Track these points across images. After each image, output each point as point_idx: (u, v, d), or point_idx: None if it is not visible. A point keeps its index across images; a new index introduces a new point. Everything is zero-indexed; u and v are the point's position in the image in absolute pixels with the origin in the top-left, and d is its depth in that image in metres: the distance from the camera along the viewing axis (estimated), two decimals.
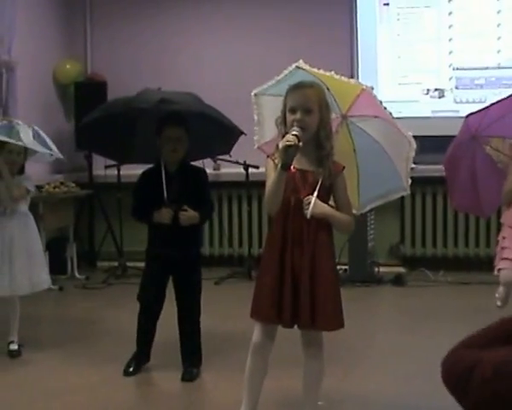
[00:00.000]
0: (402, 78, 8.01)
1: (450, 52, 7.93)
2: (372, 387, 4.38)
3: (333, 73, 3.47)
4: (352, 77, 7.93)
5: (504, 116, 4.76)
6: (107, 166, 7.62)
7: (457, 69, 7.91)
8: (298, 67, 3.48)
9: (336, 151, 3.40)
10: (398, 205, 7.93)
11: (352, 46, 8.05)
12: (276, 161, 3.28)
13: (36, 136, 4.95)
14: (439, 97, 7.91)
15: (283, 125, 3.35)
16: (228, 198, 8.19)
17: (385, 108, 3.55)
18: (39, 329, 5.94)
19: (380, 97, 7.93)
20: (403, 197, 7.69)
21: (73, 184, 7.83)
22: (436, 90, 7.91)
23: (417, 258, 7.98)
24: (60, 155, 5.20)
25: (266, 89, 3.64)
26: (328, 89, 3.43)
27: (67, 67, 8.45)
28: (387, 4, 8.02)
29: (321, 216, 3.30)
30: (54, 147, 5.11)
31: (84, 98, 8.00)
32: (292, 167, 3.27)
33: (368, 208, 3.80)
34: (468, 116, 4.87)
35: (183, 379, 4.50)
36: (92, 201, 8.46)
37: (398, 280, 7.31)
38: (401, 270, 7.76)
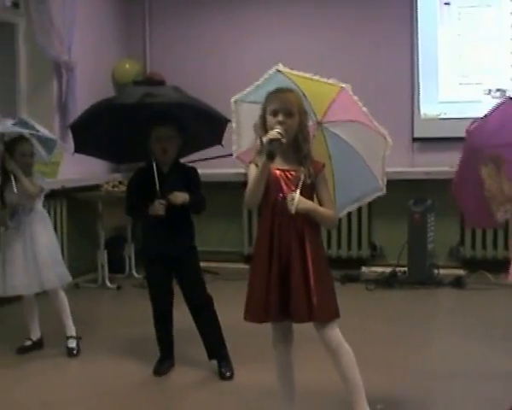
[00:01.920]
0: (463, 78, 7.90)
1: None
2: (430, 390, 4.36)
3: (311, 74, 3.56)
4: (412, 78, 7.92)
5: (503, 126, 4.57)
6: None
7: None
8: (278, 71, 3.57)
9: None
10: (458, 206, 7.81)
11: (413, 46, 7.97)
12: (259, 163, 3.36)
13: (19, 123, 5.11)
14: (501, 98, 7.77)
15: (262, 129, 3.43)
16: None
17: (362, 108, 3.61)
18: (97, 327, 5.99)
19: (441, 98, 7.91)
20: None
21: None
22: (498, 90, 7.77)
23: (478, 260, 7.84)
24: (51, 136, 5.34)
25: (246, 95, 3.70)
26: (304, 96, 3.52)
27: (126, 66, 8.54)
28: (448, 4, 7.91)
29: (304, 211, 3.39)
30: (43, 129, 5.20)
31: None
32: (275, 169, 3.42)
33: (344, 212, 3.86)
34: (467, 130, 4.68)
35: (223, 378, 4.57)
36: None
37: (457, 283, 7.22)
38: (461, 272, 7.65)
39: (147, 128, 4.57)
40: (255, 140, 3.52)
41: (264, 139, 3.31)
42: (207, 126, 4.87)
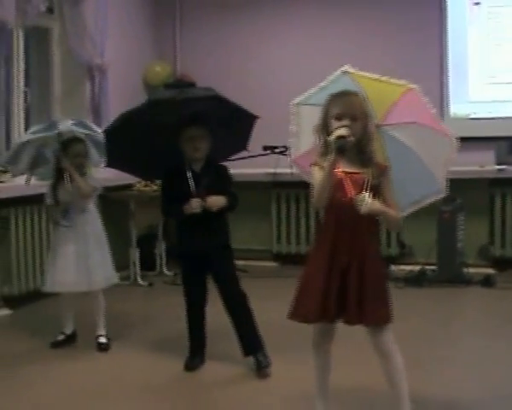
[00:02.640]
0: (493, 77, 7.88)
1: None
2: (457, 390, 4.36)
3: (379, 75, 3.52)
4: (442, 78, 7.94)
5: None
6: None
7: None
8: (345, 72, 3.52)
9: None
10: (488, 205, 7.84)
11: (442, 46, 7.99)
12: (324, 164, 3.35)
13: (78, 124, 5.23)
14: None
15: (324, 132, 3.42)
16: (295, 198, 8.33)
17: (430, 109, 3.57)
18: (128, 323, 6.07)
19: (470, 98, 7.86)
20: (493, 198, 7.73)
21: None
22: None
23: (507, 259, 7.82)
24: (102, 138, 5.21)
25: (308, 98, 3.66)
26: (366, 98, 3.48)
27: (157, 68, 8.63)
28: (478, 3, 7.91)
29: (375, 212, 3.37)
30: (99, 130, 5.32)
31: None
32: (339, 171, 3.37)
33: (402, 215, 3.74)
34: None
35: (260, 367, 4.60)
36: None
37: (487, 281, 7.20)
38: (490, 271, 7.64)
39: (177, 131, 4.62)
40: (315, 143, 3.50)
41: (332, 137, 3.29)
42: (237, 126, 4.88)
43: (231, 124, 4.84)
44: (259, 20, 8.63)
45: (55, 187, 5.19)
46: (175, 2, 8.94)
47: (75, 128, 5.17)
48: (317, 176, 3.40)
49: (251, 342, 4.69)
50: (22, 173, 5.40)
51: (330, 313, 3.41)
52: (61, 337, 5.35)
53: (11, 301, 6.47)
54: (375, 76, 3.52)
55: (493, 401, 4.23)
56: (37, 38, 7.54)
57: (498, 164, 7.60)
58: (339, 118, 3.36)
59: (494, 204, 7.82)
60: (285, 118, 3.80)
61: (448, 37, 7.97)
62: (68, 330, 5.38)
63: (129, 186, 7.70)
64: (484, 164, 7.65)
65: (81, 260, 5.12)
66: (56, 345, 5.30)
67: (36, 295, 6.38)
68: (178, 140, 4.64)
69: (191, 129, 4.61)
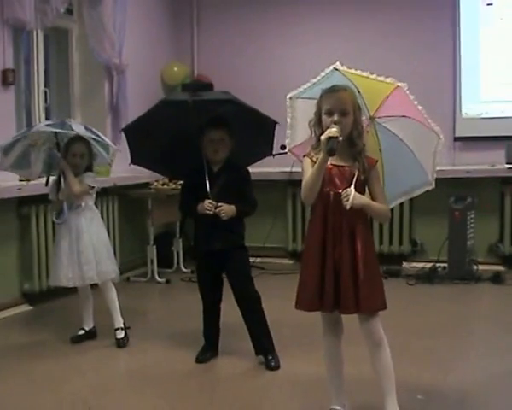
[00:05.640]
0: (505, 77, 7.93)
1: None
2: (469, 383, 4.38)
3: (368, 73, 3.54)
4: (454, 78, 8.02)
5: None
6: None
7: None
8: (335, 69, 3.53)
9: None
10: (498, 204, 7.93)
11: (455, 46, 8.05)
12: (315, 158, 3.44)
13: (88, 130, 5.25)
14: None
15: (318, 126, 3.49)
16: None
17: (417, 106, 3.59)
18: (147, 319, 6.15)
19: (483, 97, 7.92)
20: (503, 196, 7.81)
21: (181, 181, 8.04)
22: None
23: None
24: (113, 146, 5.49)
25: (301, 92, 3.70)
26: (358, 91, 3.53)
27: (175, 69, 8.74)
28: (491, 4, 7.97)
29: (359, 207, 3.43)
30: (107, 140, 5.45)
31: None
32: (329, 164, 3.44)
33: (392, 205, 3.84)
34: None
35: (270, 368, 4.65)
36: None
37: (496, 278, 7.27)
38: (500, 268, 7.70)
39: (199, 131, 4.71)
40: (310, 135, 3.56)
41: (323, 137, 3.34)
42: (257, 132, 4.97)
43: (254, 128, 4.92)
44: (277, 22, 8.70)
45: (57, 183, 5.26)
46: (192, 4, 9.04)
47: (83, 132, 5.21)
48: (307, 170, 3.49)
49: (262, 343, 4.78)
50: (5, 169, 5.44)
51: (328, 303, 3.47)
52: (81, 332, 5.40)
53: (32, 298, 6.56)
54: (364, 74, 3.55)
55: (505, 392, 4.30)
56: (57, 39, 7.65)
57: (509, 163, 7.66)
58: (329, 113, 3.42)
59: (504, 202, 7.89)
60: None
61: (461, 37, 8.03)
62: (87, 327, 5.43)
63: (146, 185, 7.80)
64: (494, 163, 7.72)
65: (74, 257, 5.18)
66: (76, 340, 5.35)
67: (56, 292, 6.46)
68: (201, 141, 4.73)
69: (211, 132, 4.70)
